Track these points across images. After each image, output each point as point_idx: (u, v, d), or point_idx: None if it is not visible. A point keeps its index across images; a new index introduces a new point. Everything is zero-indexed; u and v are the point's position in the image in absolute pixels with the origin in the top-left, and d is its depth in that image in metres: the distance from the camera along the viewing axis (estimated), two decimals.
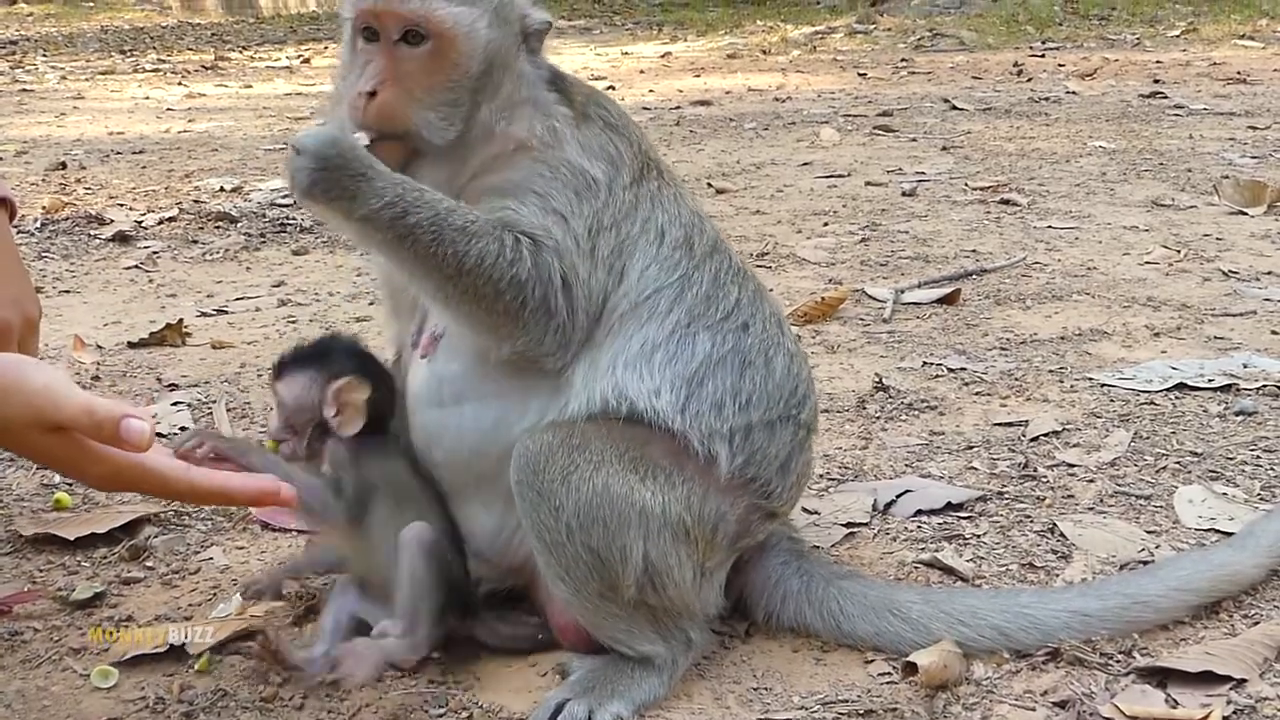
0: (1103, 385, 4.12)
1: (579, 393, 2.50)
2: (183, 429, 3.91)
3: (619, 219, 2.53)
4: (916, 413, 3.95)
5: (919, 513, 3.24)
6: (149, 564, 3.09)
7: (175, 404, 4.12)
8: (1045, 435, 3.71)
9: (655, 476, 2.44)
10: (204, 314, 5.30)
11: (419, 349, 2.64)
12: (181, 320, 4.97)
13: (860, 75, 13.99)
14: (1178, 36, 16.70)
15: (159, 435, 3.79)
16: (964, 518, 3.21)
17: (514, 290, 2.40)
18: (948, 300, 5.14)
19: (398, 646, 2.50)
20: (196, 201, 7.62)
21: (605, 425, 2.46)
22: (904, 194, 7.38)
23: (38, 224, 6.95)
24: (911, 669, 2.47)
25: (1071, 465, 3.51)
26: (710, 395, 2.51)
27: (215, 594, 2.93)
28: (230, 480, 2.26)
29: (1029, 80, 12.87)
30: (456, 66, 2.48)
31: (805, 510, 3.21)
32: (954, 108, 10.94)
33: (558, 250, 2.43)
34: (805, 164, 8.55)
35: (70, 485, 3.53)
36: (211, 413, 4.06)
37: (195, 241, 6.65)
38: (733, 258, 2.68)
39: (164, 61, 18.71)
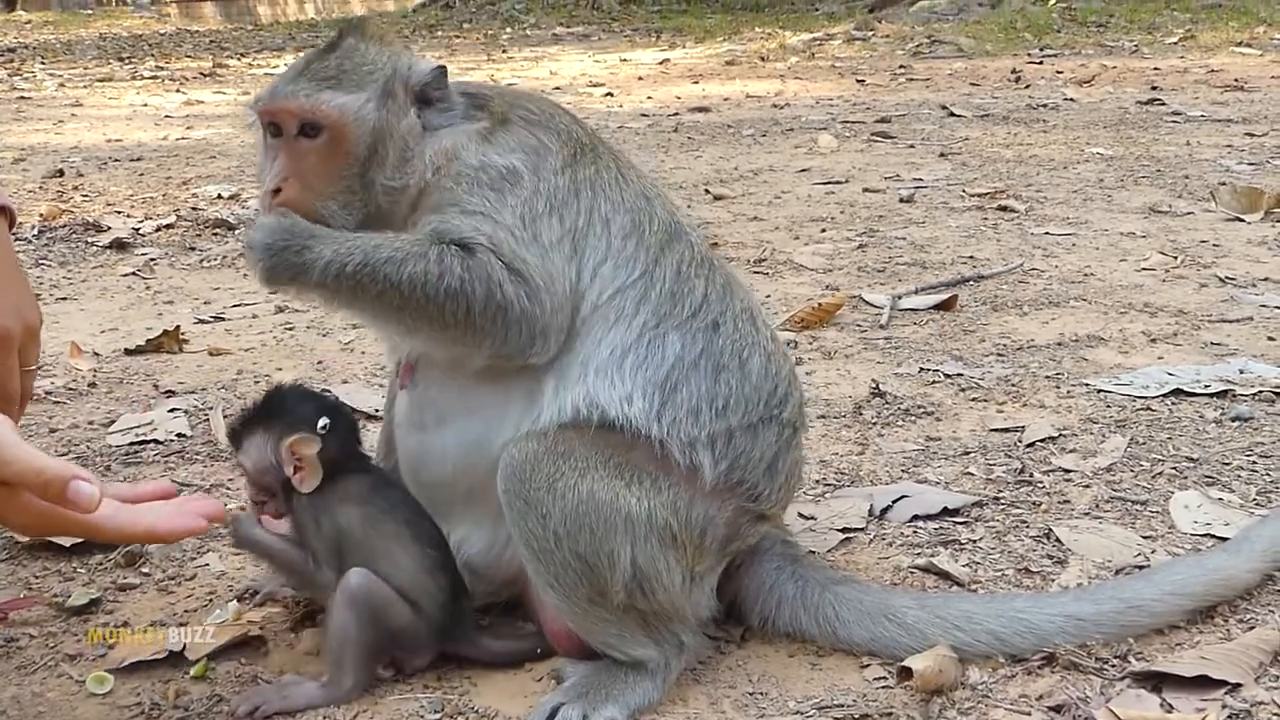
0: (1099, 391, 4.12)
1: (551, 401, 2.50)
2: (180, 435, 3.92)
3: (556, 204, 2.52)
4: (913, 418, 3.95)
5: (915, 518, 3.24)
6: (145, 570, 3.08)
7: (172, 411, 4.11)
8: (1041, 441, 3.72)
9: (640, 482, 2.44)
10: (201, 321, 5.30)
11: (399, 379, 2.68)
12: (179, 327, 4.97)
13: (858, 82, 14.00)
14: (1175, 44, 16.72)
15: (156, 443, 3.82)
16: (960, 523, 3.21)
17: (453, 300, 2.42)
18: (945, 306, 5.14)
19: (319, 694, 2.48)
20: (194, 208, 7.63)
21: (589, 433, 2.45)
22: (902, 200, 7.39)
23: (35, 231, 6.96)
24: (906, 674, 2.47)
25: (1067, 471, 3.51)
26: (685, 401, 2.49)
27: (211, 600, 2.93)
28: (158, 521, 2.23)
29: (1027, 87, 12.89)
30: (349, 154, 2.52)
31: (801, 515, 3.21)
32: (952, 114, 10.95)
33: (491, 247, 2.44)
34: (803, 170, 8.56)
35: None
36: (208, 419, 4.06)
37: (193, 248, 6.66)
38: (694, 245, 2.64)
39: (162, 69, 18.74)
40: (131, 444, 3.87)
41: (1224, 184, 7.24)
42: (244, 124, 2.67)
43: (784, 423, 2.61)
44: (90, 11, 35.97)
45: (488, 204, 2.49)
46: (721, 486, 2.52)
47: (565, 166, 2.56)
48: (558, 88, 13.97)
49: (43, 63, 20.27)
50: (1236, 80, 12.65)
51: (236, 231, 6.97)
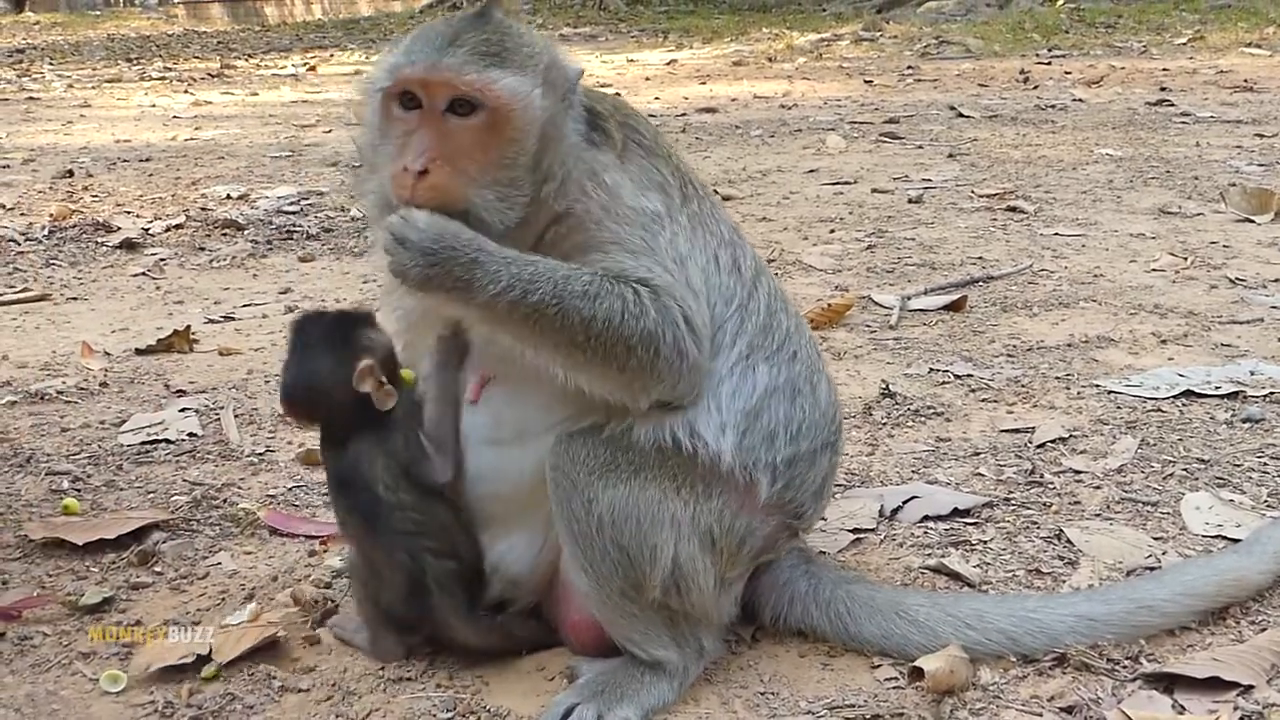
0: (1110, 392, 4.12)
1: (643, 421, 2.43)
2: (191, 435, 3.93)
3: (691, 249, 2.49)
4: (923, 419, 3.95)
5: (925, 519, 3.24)
6: (157, 569, 3.09)
7: (183, 410, 4.12)
8: (1052, 442, 3.72)
9: (693, 486, 2.45)
10: (211, 321, 5.31)
11: (468, 396, 2.55)
12: (189, 327, 4.98)
13: (866, 82, 13.99)
14: (1184, 44, 16.70)
15: (167, 442, 3.83)
16: (971, 524, 3.21)
17: (644, 343, 2.32)
18: (954, 307, 5.14)
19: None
20: (203, 209, 7.64)
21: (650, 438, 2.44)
22: (910, 201, 7.38)
23: (45, 231, 6.97)
24: (918, 674, 2.47)
25: (1078, 472, 3.51)
26: (765, 427, 2.50)
27: (223, 599, 2.94)
28: None
29: (1035, 88, 12.87)
30: (514, 143, 2.34)
31: None
32: (960, 115, 10.94)
33: (670, 289, 2.36)
34: (811, 171, 8.55)
35: (78, 491, 3.55)
36: (219, 419, 4.07)
37: (202, 249, 6.67)
38: (772, 278, 2.67)
39: (170, 69, 18.78)
40: (143, 443, 3.88)
41: (1234, 185, 7.23)
42: (359, 87, 2.48)
43: (836, 450, 2.67)
44: (98, 12, 36.05)
45: (648, 246, 2.40)
46: (773, 504, 2.54)
47: (684, 204, 2.52)
48: None
49: (51, 63, 20.32)
50: (1246, 81, 12.63)
51: (245, 231, 6.98)
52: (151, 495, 3.52)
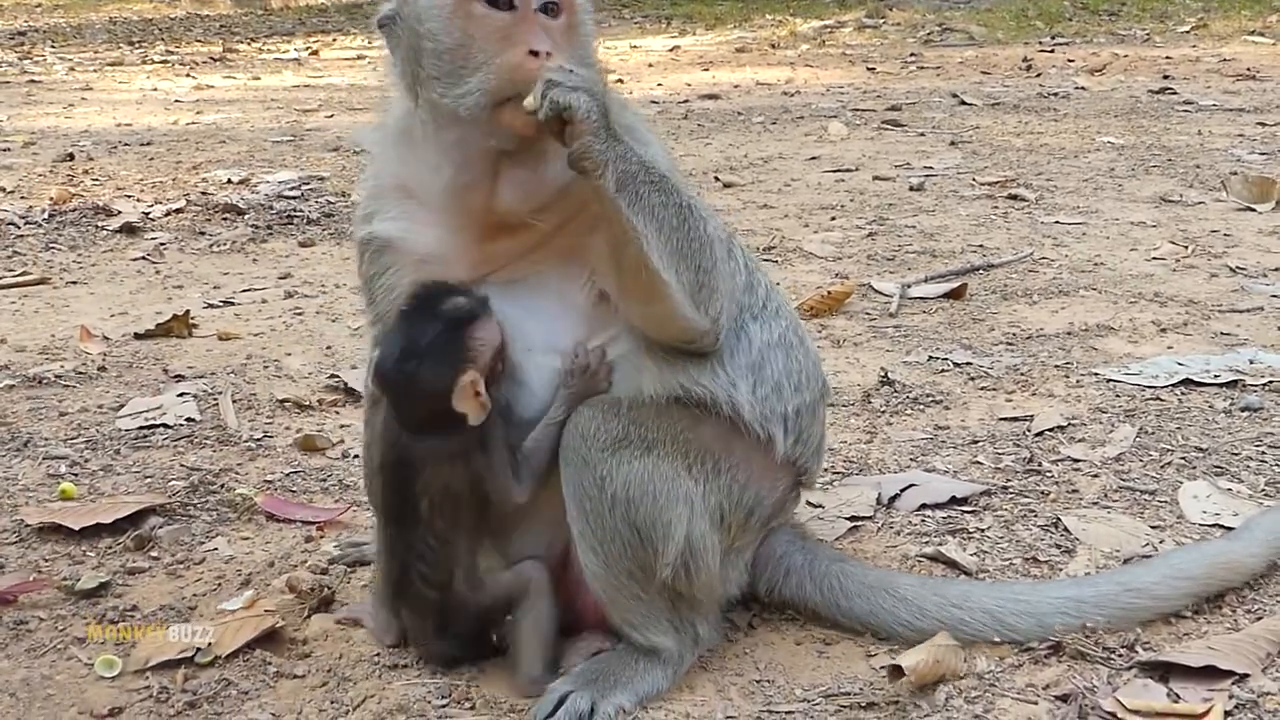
0: (1108, 381, 4.11)
1: (652, 380, 2.47)
2: (189, 420, 3.93)
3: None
4: (922, 407, 3.95)
5: (923, 507, 3.24)
6: (154, 554, 3.10)
7: (181, 395, 4.12)
8: (1050, 430, 3.71)
9: (703, 463, 2.47)
10: (210, 305, 5.30)
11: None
12: (188, 312, 4.98)
13: (869, 70, 13.96)
14: (1188, 32, 16.66)
15: (165, 427, 3.83)
16: (968, 512, 3.21)
17: (711, 247, 2.42)
18: (954, 295, 5.14)
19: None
20: (204, 193, 7.63)
21: (664, 406, 2.46)
22: (911, 189, 7.37)
23: (45, 215, 6.96)
24: (898, 672, 2.42)
25: (1076, 460, 3.50)
26: (770, 379, 2.55)
27: (220, 584, 2.94)
28: None
29: (1038, 75, 12.84)
30: (586, 42, 2.52)
31: (810, 504, 3.21)
32: (963, 103, 10.92)
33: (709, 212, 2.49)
34: (813, 158, 8.54)
35: (75, 475, 3.55)
36: (217, 404, 4.07)
37: (202, 233, 6.66)
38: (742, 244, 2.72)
39: (172, 53, 18.73)
40: (140, 428, 3.88)
41: (1235, 173, 7.22)
42: None
43: (827, 401, 2.73)
44: None
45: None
46: (786, 460, 2.59)
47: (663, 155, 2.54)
48: None
49: (53, 46, 20.27)
50: (1248, 69, 12.60)
51: (246, 216, 6.96)
52: (149, 480, 3.52)
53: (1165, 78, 12.20)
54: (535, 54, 2.34)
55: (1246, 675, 2.42)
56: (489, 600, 2.51)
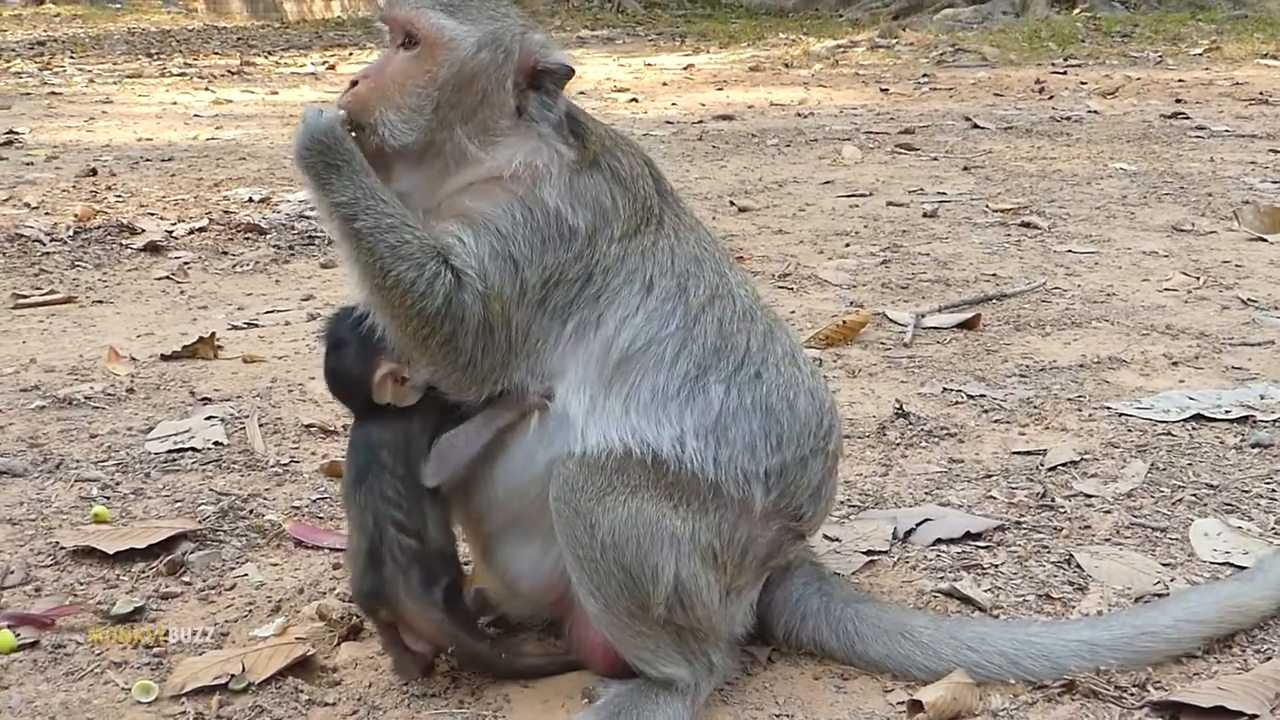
0: (1120, 415, 4.18)
1: (590, 430, 2.52)
2: (216, 444, 4.01)
3: (594, 271, 2.55)
4: (936, 440, 4.01)
5: (938, 541, 3.30)
6: (186, 579, 3.16)
7: (209, 419, 4.20)
8: (1063, 465, 3.77)
9: (689, 504, 2.51)
10: (235, 327, 5.38)
11: None
12: (214, 334, 5.05)
13: (882, 90, 14.05)
14: (1200, 55, 16.72)
15: (194, 450, 3.90)
16: (982, 547, 3.28)
17: (419, 322, 2.47)
18: (968, 325, 5.20)
19: None
20: (226, 212, 7.72)
21: (645, 462, 2.51)
22: (925, 215, 7.44)
23: (70, 232, 7.05)
24: (917, 707, 2.51)
25: (1089, 496, 3.57)
26: (739, 440, 2.56)
27: (251, 611, 3.01)
28: None
29: (1051, 98, 12.91)
30: (429, 74, 2.55)
31: (826, 537, 3.27)
32: (975, 126, 10.99)
33: (484, 295, 2.47)
34: (827, 182, 8.61)
35: (107, 498, 3.62)
36: (244, 428, 4.14)
37: (225, 253, 6.74)
38: (737, 300, 2.68)
39: (190, 65, 18.88)
40: (170, 451, 3.95)
41: (1247, 203, 7.28)
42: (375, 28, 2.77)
43: (829, 453, 2.71)
44: (119, 5, 36.16)
45: (527, 253, 2.51)
46: (770, 512, 2.61)
47: (625, 236, 2.58)
48: (582, 92, 14.01)
49: (72, 57, 20.43)
50: (1261, 94, 12.66)
51: (268, 236, 7.06)
52: (179, 504, 3.60)
53: (1178, 101, 12.27)
54: (354, 83, 2.59)
55: (1256, 716, 2.48)
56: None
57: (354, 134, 2.53)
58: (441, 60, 2.55)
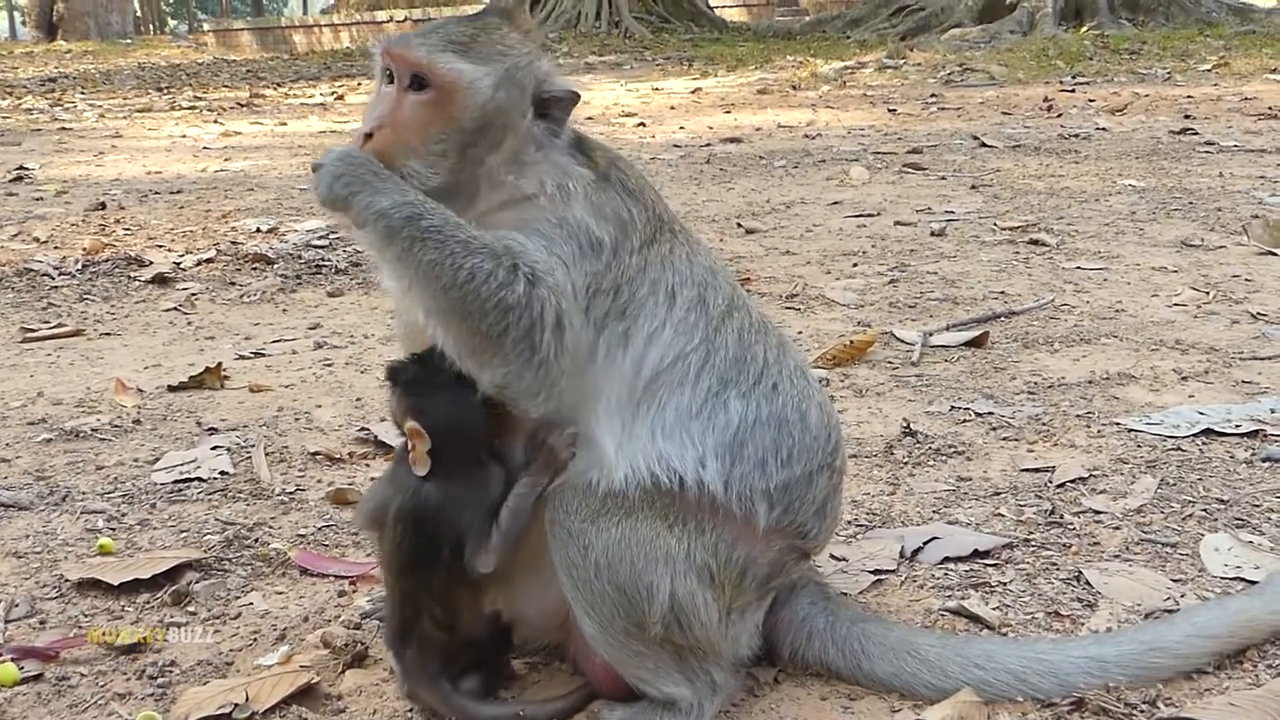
0: (1130, 430, 4.15)
1: (619, 461, 2.50)
2: (223, 473, 4.00)
3: (621, 283, 2.55)
4: (944, 458, 3.99)
5: (946, 560, 3.28)
6: (191, 609, 3.15)
7: (215, 448, 4.20)
8: (1072, 481, 3.75)
9: (685, 523, 2.50)
10: (242, 357, 5.39)
11: None
12: (220, 364, 5.06)
13: (890, 111, 14.06)
14: (1209, 71, 16.71)
15: (199, 480, 3.89)
16: (991, 565, 3.25)
17: (499, 314, 2.39)
18: (976, 343, 5.18)
19: None
20: (233, 242, 7.74)
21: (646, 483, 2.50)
22: (933, 234, 7.43)
23: (79, 265, 7.08)
24: None
25: (1098, 512, 3.54)
26: (753, 456, 2.55)
27: (255, 639, 3.00)
28: None
29: (1059, 116, 12.91)
30: (451, 120, 2.51)
31: (833, 557, 3.25)
32: (983, 145, 10.99)
33: (556, 289, 2.44)
34: (835, 203, 8.61)
35: (113, 530, 3.62)
36: (250, 457, 4.14)
37: (233, 283, 6.76)
38: (751, 312, 2.71)
39: (200, 99, 18.98)
40: (175, 482, 3.95)
41: (1257, 217, 7.25)
42: (371, 61, 2.66)
43: (835, 469, 2.70)
44: (129, 40, 36.44)
45: (570, 258, 2.50)
46: (773, 530, 2.59)
47: (643, 246, 2.58)
48: (590, 118, 14.08)
49: (83, 93, 20.57)
50: (1270, 108, 12.64)
51: (275, 266, 7.08)
52: (184, 534, 3.59)
53: (1186, 117, 12.26)
54: (369, 135, 2.50)
55: None
56: (491, 633, 2.65)
57: None
58: (462, 105, 2.51)
